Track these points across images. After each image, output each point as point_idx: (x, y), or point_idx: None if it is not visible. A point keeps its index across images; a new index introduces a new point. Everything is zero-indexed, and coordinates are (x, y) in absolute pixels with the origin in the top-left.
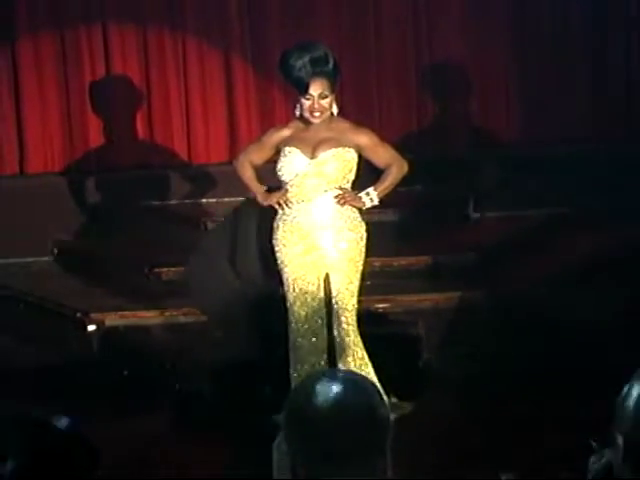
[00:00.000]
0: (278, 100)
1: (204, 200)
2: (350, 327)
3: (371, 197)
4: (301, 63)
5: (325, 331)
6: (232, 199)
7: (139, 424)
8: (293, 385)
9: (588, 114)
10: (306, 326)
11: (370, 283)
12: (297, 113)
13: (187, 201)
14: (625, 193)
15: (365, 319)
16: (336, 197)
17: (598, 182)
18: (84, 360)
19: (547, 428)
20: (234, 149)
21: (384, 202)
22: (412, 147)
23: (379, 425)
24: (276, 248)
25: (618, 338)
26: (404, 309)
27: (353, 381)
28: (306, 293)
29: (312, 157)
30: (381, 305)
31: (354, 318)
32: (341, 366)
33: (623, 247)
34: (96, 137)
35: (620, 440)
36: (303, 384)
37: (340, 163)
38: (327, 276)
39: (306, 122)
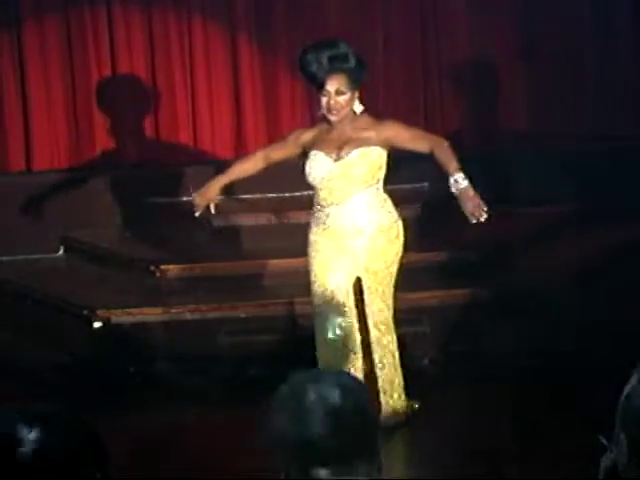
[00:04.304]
0: (284, 99)
1: None
2: (383, 327)
3: (457, 179)
4: (318, 58)
5: (357, 334)
6: (237, 196)
7: (144, 421)
8: None
9: (595, 111)
10: (334, 333)
11: None
12: (319, 113)
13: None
14: (632, 191)
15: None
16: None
17: (606, 179)
18: (90, 357)
19: (553, 426)
20: (240, 146)
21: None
22: None
23: (369, 425)
24: (308, 249)
25: (622, 336)
26: (409, 306)
27: (340, 381)
28: (334, 296)
29: (337, 159)
30: None
31: (388, 320)
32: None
33: (630, 245)
34: (102, 133)
35: (625, 439)
36: (289, 386)
37: (366, 163)
38: (358, 279)
39: (330, 123)
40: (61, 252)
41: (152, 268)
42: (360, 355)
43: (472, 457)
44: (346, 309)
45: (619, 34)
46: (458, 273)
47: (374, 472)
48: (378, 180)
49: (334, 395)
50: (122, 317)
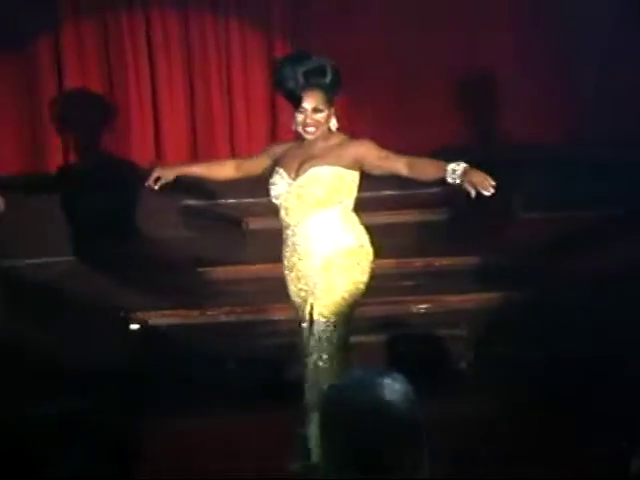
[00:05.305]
0: None
1: (246, 200)
2: (324, 366)
3: (452, 167)
4: (294, 74)
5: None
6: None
7: (179, 423)
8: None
9: (635, 115)
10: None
11: (413, 283)
12: (294, 128)
13: (230, 201)
14: None
15: (407, 320)
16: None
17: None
18: (126, 358)
19: (589, 430)
20: None
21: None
22: (461, 148)
23: (416, 427)
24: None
25: None
26: (447, 310)
27: (391, 384)
28: (302, 323)
29: (295, 178)
30: (423, 305)
31: (333, 358)
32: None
33: None
34: (138, 135)
35: None
36: (339, 386)
37: (322, 184)
38: (312, 307)
39: (303, 139)
40: (98, 254)
41: (189, 270)
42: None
43: (506, 460)
44: (304, 337)
45: (629, 36)
46: (497, 276)
47: (417, 473)
48: (341, 202)
49: (383, 398)
50: (159, 319)
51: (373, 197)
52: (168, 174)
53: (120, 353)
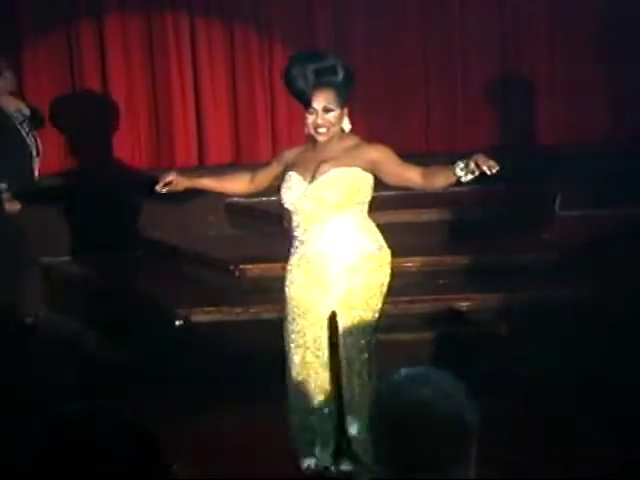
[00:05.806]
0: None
1: None
2: (358, 383)
3: (458, 163)
4: (304, 73)
5: (329, 386)
6: None
7: (223, 420)
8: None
9: None
10: (303, 375)
11: (453, 281)
12: (305, 130)
13: (272, 198)
14: None
15: (447, 318)
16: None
17: None
18: (170, 355)
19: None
20: None
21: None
22: (499, 145)
23: (465, 428)
24: (285, 281)
25: None
26: (487, 308)
27: (440, 383)
28: (307, 335)
29: (311, 181)
30: (464, 303)
31: (363, 360)
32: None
33: None
34: (181, 135)
35: None
36: (389, 385)
37: (341, 186)
38: (334, 315)
39: (315, 141)
40: (142, 251)
41: (231, 268)
42: (327, 392)
43: (542, 459)
44: (316, 348)
45: None
46: (537, 275)
47: (463, 474)
48: (359, 203)
49: (432, 395)
50: (201, 316)
51: (409, 195)
52: (179, 182)
53: (163, 349)
